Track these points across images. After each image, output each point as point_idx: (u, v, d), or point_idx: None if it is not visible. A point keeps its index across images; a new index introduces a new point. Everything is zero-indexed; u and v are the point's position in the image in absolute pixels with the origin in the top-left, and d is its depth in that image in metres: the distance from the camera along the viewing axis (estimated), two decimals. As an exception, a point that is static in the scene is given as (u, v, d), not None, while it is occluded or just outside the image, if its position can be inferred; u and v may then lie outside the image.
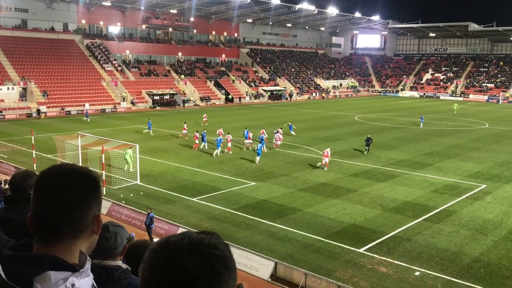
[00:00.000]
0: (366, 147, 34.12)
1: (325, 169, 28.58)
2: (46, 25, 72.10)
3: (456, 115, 60.67)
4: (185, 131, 39.34)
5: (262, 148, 31.76)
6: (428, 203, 22.38)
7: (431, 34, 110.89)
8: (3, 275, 1.42)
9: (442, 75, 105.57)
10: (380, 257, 16.19)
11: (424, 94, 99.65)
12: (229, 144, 33.63)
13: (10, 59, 63.48)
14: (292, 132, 41.11)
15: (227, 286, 1.23)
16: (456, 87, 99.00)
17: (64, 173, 1.62)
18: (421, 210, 21.21)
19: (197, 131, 36.21)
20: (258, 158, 30.47)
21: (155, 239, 14.86)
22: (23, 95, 60.15)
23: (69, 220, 1.58)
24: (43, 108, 57.67)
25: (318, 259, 16.10)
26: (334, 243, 17.41)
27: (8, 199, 3.27)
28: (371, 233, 18.37)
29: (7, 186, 4.32)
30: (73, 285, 1.48)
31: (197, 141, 35.05)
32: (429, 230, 18.76)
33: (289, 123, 42.40)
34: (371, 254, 16.44)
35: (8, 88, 58.69)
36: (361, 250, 16.78)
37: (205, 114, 49.78)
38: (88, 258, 1.63)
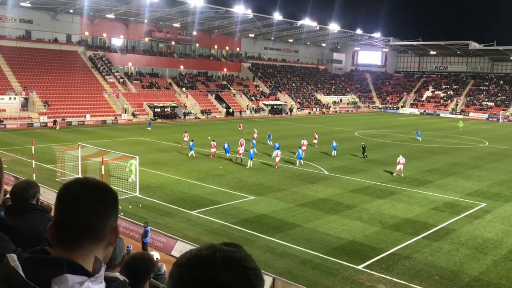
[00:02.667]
0: (364, 154, 38.60)
1: (396, 175, 31.68)
2: (50, 36, 72.67)
3: (456, 132, 60.77)
4: (214, 149, 37.17)
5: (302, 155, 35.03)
6: (428, 220, 22.29)
7: (432, 52, 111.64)
8: (23, 275, 1.47)
9: (443, 92, 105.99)
10: (379, 275, 16.07)
11: (425, 111, 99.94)
12: (240, 156, 34.85)
13: (13, 69, 63.83)
14: (334, 152, 39.12)
15: None
16: (456, 105, 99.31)
17: (87, 185, 1.71)
18: (421, 228, 21.12)
19: (213, 140, 37.93)
20: (298, 161, 34.45)
21: (153, 252, 14.53)
22: (25, 105, 60.35)
23: (90, 228, 1.66)
24: (43, 118, 57.86)
25: (317, 275, 15.99)
26: (333, 259, 17.30)
27: (10, 209, 3.26)
28: (370, 250, 18.27)
29: (7, 196, 4.32)
30: None
31: (213, 150, 36.86)
32: (428, 248, 18.66)
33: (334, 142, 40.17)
34: (370, 271, 16.32)
35: (10, 98, 58.93)
36: (360, 267, 16.67)
37: (240, 124, 57.64)
38: (103, 264, 1.69)
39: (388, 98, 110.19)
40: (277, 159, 33.93)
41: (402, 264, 17.07)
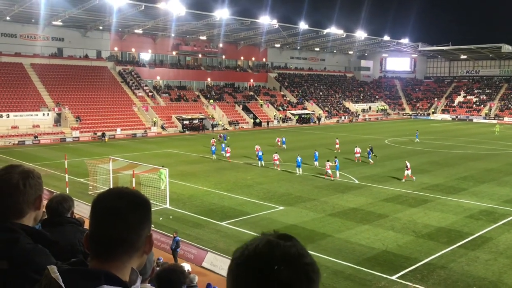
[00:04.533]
0: (374, 155, 39.68)
1: (405, 180, 31.43)
2: (81, 53, 74.75)
3: (490, 138, 59.14)
4: (229, 154, 40.67)
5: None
6: (463, 229, 21.67)
7: (463, 56, 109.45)
8: (63, 286, 1.53)
9: (475, 97, 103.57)
10: (414, 285, 15.66)
11: (457, 117, 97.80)
12: (277, 162, 36.47)
13: (46, 86, 65.83)
14: (370, 160, 39.16)
15: None
16: (490, 109, 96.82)
17: (121, 196, 1.73)
18: (456, 237, 20.54)
19: (228, 146, 42.07)
20: (337, 172, 33.10)
21: (184, 264, 14.58)
22: (58, 121, 62.06)
23: (125, 240, 1.68)
24: (75, 133, 59.33)
25: (349, 286, 15.72)
26: (365, 270, 16.98)
27: (45, 222, 3.34)
28: (403, 260, 17.86)
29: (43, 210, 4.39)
30: None
31: (228, 154, 40.29)
32: (465, 258, 18.11)
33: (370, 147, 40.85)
34: (404, 282, 15.94)
35: (43, 114, 60.71)
36: (393, 278, 16.30)
37: (220, 134, 57.81)
38: (139, 276, 1.72)
39: (418, 105, 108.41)
40: (329, 171, 32.64)
41: (438, 274, 16.60)
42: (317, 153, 37.77)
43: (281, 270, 1.23)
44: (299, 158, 34.73)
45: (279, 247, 1.28)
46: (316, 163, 36.76)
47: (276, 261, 1.25)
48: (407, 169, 31.93)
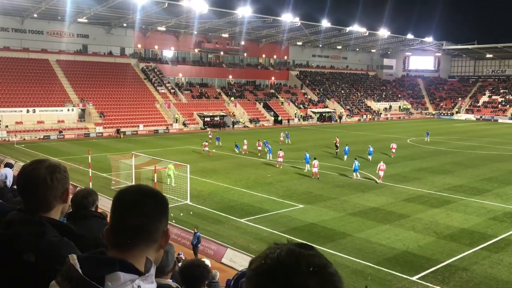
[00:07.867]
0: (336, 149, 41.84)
1: (381, 182, 30.71)
2: (105, 50, 75.80)
3: (516, 139, 57.80)
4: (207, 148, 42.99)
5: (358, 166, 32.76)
6: (486, 231, 21.29)
7: (488, 55, 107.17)
8: (80, 271, 1.61)
9: (500, 97, 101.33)
10: (434, 286, 15.49)
11: (481, 117, 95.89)
12: (280, 160, 36.30)
13: (71, 82, 66.98)
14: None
15: None
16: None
17: (141, 191, 1.83)
18: (479, 238, 20.19)
19: (206, 141, 45.27)
20: (355, 173, 32.35)
21: (204, 259, 14.66)
22: (82, 116, 63.13)
23: (143, 229, 1.76)
24: (99, 129, 60.25)
25: (369, 286, 15.60)
26: (385, 270, 16.85)
27: (70, 215, 3.42)
28: (424, 261, 17.65)
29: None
30: (139, 287, 1.65)
31: (206, 149, 42.51)
32: (488, 260, 17.80)
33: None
34: (424, 283, 15.77)
35: (68, 110, 61.85)
36: (413, 278, 16.14)
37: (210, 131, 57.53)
38: (153, 264, 1.79)
39: (441, 104, 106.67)
40: (314, 170, 32.12)
41: (459, 276, 16.37)
42: (347, 147, 39.84)
43: (308, 282, 1.19)
44: (307, 155, 35.03)
45: (304, 257, 1.24)
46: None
47: (303, 271, 1.21)
48: (381, 170, 31.36)
